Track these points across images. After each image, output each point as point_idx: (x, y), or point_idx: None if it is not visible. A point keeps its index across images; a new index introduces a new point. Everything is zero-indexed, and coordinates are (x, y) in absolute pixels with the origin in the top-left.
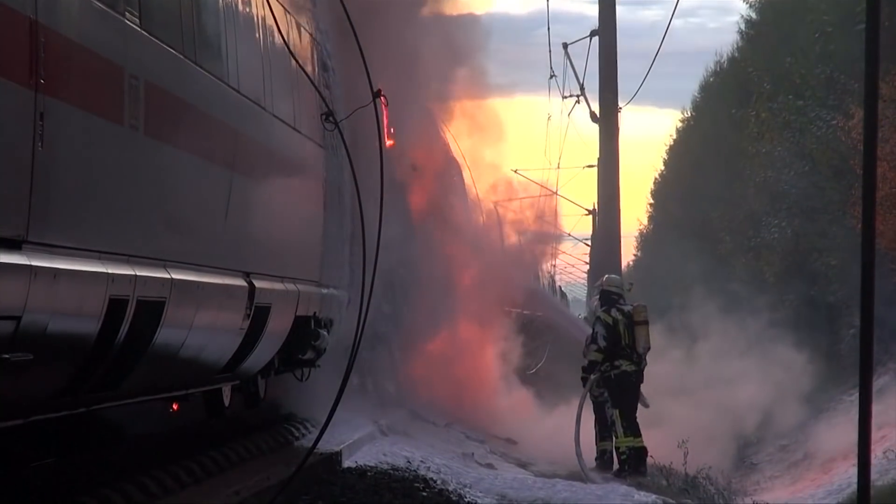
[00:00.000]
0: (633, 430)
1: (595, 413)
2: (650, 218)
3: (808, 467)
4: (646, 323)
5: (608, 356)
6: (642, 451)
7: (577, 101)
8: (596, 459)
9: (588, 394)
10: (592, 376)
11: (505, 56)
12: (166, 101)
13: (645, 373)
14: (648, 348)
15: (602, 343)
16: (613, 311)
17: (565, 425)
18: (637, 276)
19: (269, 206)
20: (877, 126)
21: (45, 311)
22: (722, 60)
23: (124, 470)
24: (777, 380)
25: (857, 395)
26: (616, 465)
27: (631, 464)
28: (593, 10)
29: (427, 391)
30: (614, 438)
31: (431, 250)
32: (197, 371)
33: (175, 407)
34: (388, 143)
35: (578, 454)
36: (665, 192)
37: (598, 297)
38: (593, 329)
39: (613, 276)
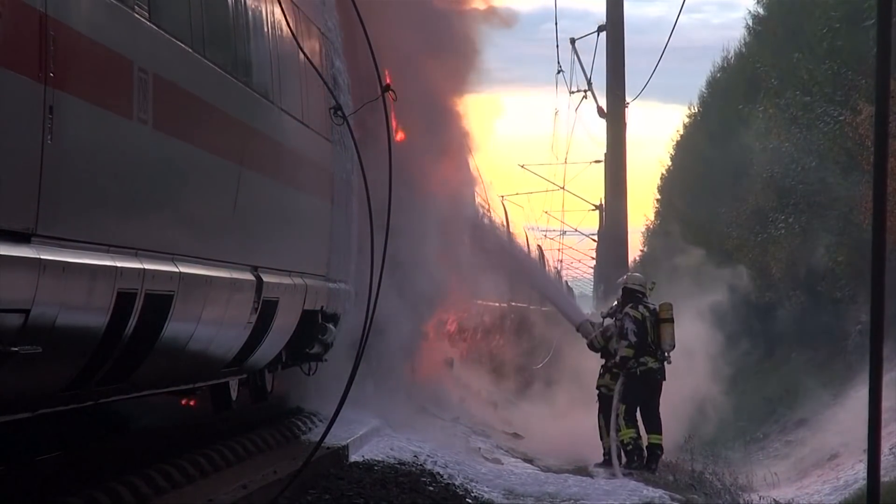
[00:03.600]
0: (654, 427)
1: (602, 409)
2: (657, 213)
3: (815, 463)
4: (671, 321)
5: (636, 352)
6: (658, 449)
7: (585, 97)
8: (604, 454)
9: (600, 388)
10: (622, 373)
11: (513, 51)
12: (175, 96)
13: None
14: (673, 346)
15: (633, 339)
16: (640, 308)
17: (570, 419)
18: (642, 271)
19: (277, 200)
20: (887, 122)
21: (53, 304)
22: (729, 56)
23: (131, 463)
24: (782, 375)
25: (864, 390)
26: (624, 459)
27: (640, 456)
28: (600, 6)
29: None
30: (617, 433)
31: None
32: (204, 365)
33: (184, 402)
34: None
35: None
36: (672, 187)
37: (618, 294)
38: (622, 325)
39: (636, 274)
